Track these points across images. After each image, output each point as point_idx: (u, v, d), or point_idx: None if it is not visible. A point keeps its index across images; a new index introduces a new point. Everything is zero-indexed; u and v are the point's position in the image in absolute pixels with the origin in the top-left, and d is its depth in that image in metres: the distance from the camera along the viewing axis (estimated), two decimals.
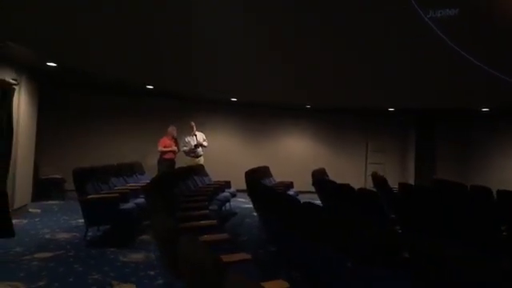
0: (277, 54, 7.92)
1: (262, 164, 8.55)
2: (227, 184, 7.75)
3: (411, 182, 10.25)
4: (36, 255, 4.32)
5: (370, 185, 9.81)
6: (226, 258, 2.73)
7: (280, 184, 8.21)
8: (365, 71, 8.20)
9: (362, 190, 6.23)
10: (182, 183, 6.14)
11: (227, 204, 7.22)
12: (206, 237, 3.25)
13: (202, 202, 5.21)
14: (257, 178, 6.86)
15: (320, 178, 7.69)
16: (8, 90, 5.40)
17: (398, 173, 10.67)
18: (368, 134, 10.87)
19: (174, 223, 2.81)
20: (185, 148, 8.37)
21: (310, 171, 9.92)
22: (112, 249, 4.65)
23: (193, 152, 8.42)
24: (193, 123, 8.42)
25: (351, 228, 3.57)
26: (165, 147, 8.41)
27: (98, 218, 5.01)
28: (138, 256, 4.47)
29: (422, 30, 8.20)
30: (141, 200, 5.81)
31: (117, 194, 5.10)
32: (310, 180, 8.94)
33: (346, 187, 6.20)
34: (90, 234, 5.13)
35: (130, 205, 5.29)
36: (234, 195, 7.48)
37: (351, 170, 10.48)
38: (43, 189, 7.78)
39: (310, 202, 3.95)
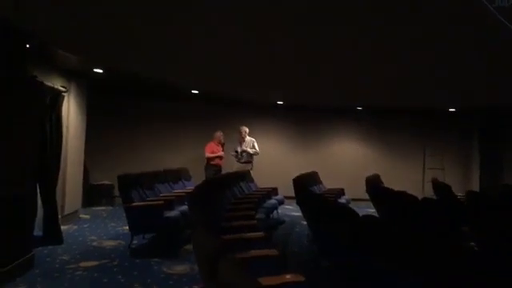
0: (325, 54, 7.47)
1: (309, 169, 8.14)
2: (274, 191, 7.43)
3: (475, 188, 9.35)
4: (81, 264, 4.24)
5: (428, 192, 9.07)
6: (275, 279, 2.41)
7: (330, 191, 7.76)
8: (421, 69, 7.53)
9: (425, 199, 5.66)
10: (227, 190, 5.89)
11: (274, 212, 6.90)
12: (253, 252, 2.95)
13: (249, 210, 4.92)
14: (306, 185, 6.47)
15: (375, 185, 7.15)
16: (58, 96, 5.44)
17: (460, 179, 9.78)
18: (425, 137, 10.07)
19: (215, 245, 2.41)
20: (232, 153, 8.24)
21: (361, 177, 9.29)
22: (156, 259, 4.48)
23: (236, 158, 8.23)
24: (243, 128, 8.22)
25: (421, 244, 3.11)
26: (212, 153, 8.27)
27: (143, 226, 4.87)
28: (181, 268, 4.26)
29: (487, 20, 7.40)
30: (186, 207, 5.63)
31: (162, 202, 4.94)
32: (361, 186, 8.35)
33: (407, 195, 5.66)
34: (134, 241, 5.02)
35: (174, 213, 5.11)
36: (281, 202, 7.14)
37: (407, 176, 9.75)
38: (93, 195, 7.91)
39: (370, 216, 3.53)
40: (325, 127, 9.99)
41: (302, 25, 4.41)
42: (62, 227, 5.59)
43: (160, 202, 4.92)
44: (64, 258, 4.44)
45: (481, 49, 6.00)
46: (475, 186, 9.49)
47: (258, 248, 3.42)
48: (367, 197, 7.49)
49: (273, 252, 3.10)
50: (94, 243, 5.09)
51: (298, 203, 6.00)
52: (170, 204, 5.22)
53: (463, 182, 9.67)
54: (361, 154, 10.02)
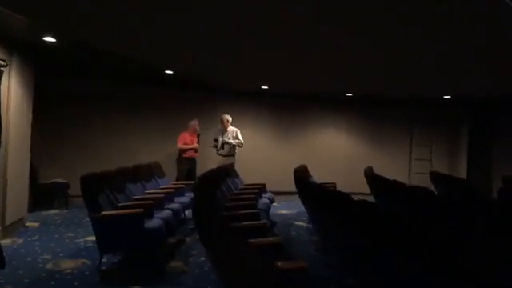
0: (314, 39, 6.54)
1: (295, 162, 7.23)
2: (263, 187, 6.47)
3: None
4: None
5: (414, 184, 8.57)
6: None
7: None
8: (415, 55, 6.80)
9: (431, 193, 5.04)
10: (218, 190, 4.86)
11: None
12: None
13: (253, 217, 3.93)
14: (306, 180, 5.59)
15: (375, 177, 6.41)
16: None
17: (446, 170, 9.32)
18: (412, 127, 9.55)
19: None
20: (211, 144, 7.24)
21: (349, 169, 8.71)
22: (135, 287, 3.38)
23: (216, 148, 7.24)
24: (225, 117, 7.19)
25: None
26: (185, 144, 7.17)
27: (116, 242, 3.73)
28: None
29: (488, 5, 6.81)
30: (167, 213, 4.55)
31: (141, 209, 3.80)
32: (350, 178, 7.97)
33: (419, 189, 5.00)
34: (104, 260, 3.86)
35: (156, 222, 4.01)
36: (272, 201, 6.19)
37: (393, 167, 9.11)
38: (43, 196, 6.51)
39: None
40: (310, 116, 9.13)
41: (290, 7, 3.55)
42: (3, 242, 4.32)
43: (139, 210, 3.78)
44: None
45: (477, 39, 5.21)
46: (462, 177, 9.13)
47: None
48: (358, 190, 6.84)
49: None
50: (49, 265, 3.85)
51: (303, 202, 5.11)
52: (148, 210, 4.09)
53: (450, 173, 9.23)
54: (347, 145, 9.31)
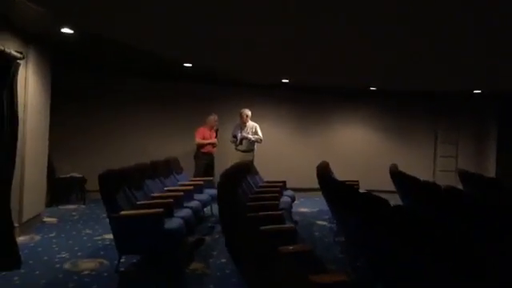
0: (337, 30, 6.20)
1: (313, 158, 6.99)
2: (283, 185, 6.26)
3: None
4: None
5: (439, 182, 8.24)
6: None
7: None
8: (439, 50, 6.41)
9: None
10: (239, 188, 4.67)
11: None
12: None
13: (276, 219, 3.72)
14: (329, 177, 5.34)
15: (400, 175, 6.11)
16: (10, 65, 3.97)
17: (474, 168, 8.93)
18: (437, 123, 9.17)
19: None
20: (231, 139, 7.09)
21: (371, 165, 8.45)
22: None
23: (235, 144, 7.05)
24: (245, 111, 6.99)
25: None
26: (203, 139, 7.00)
27: (135, 243, 3.57)
28: None
29: None
30: (187, 211, 4.39)
31: (161, 209, 3.64)
32: (371, 175, 7.87)
33: (456, 191, 4.68)
34: (122, 260, 3.71)
35: (176, 221, 3.84)
36: (293, 199, 5.98)
37: (416, 164, 8.79)
38: (60, 191, 6.44)
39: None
40: (331, 111, 8.82)
41: None
42: (20, 239, 4.23)
43: (159, 210, 3.61)
44: None
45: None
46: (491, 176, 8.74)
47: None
48: (378, 187, 6.81)
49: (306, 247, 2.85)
50: (66, 265, 3.73)
51: (326, 200, 4.89)
52: (169, 209, 3.93)
53: (477, 171, 8.86)
54: (368, 141, 8.98)
